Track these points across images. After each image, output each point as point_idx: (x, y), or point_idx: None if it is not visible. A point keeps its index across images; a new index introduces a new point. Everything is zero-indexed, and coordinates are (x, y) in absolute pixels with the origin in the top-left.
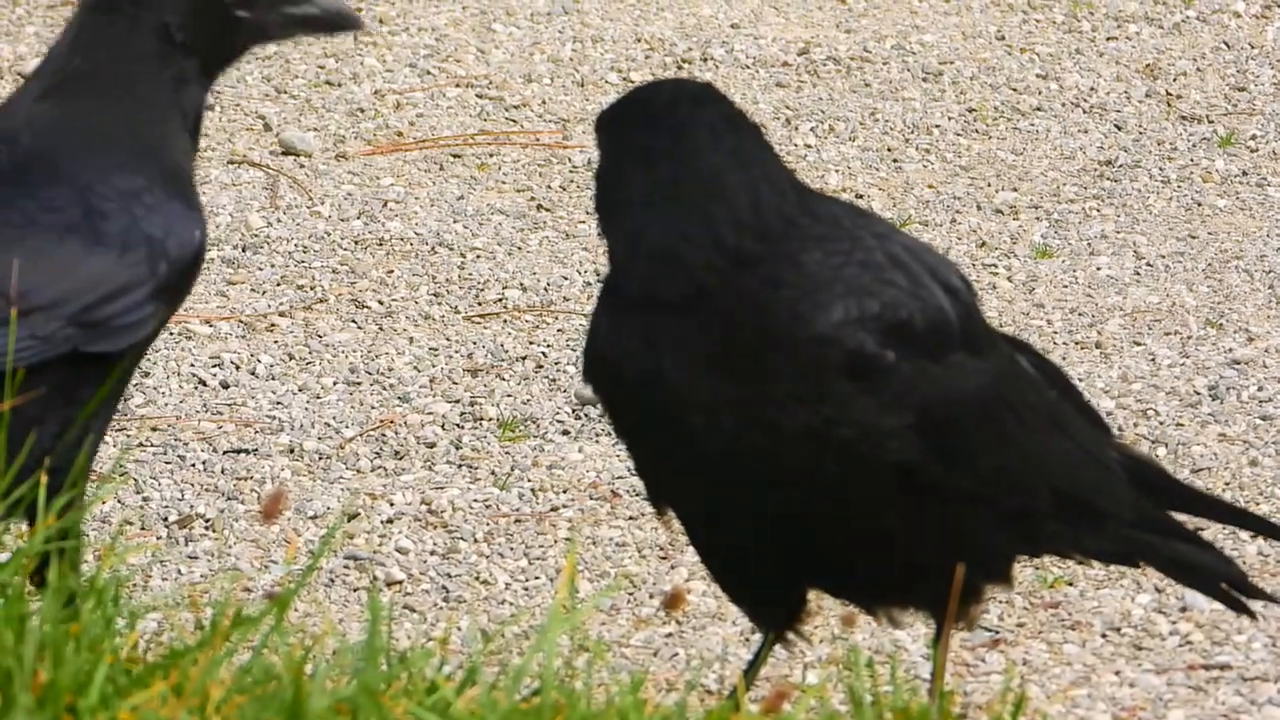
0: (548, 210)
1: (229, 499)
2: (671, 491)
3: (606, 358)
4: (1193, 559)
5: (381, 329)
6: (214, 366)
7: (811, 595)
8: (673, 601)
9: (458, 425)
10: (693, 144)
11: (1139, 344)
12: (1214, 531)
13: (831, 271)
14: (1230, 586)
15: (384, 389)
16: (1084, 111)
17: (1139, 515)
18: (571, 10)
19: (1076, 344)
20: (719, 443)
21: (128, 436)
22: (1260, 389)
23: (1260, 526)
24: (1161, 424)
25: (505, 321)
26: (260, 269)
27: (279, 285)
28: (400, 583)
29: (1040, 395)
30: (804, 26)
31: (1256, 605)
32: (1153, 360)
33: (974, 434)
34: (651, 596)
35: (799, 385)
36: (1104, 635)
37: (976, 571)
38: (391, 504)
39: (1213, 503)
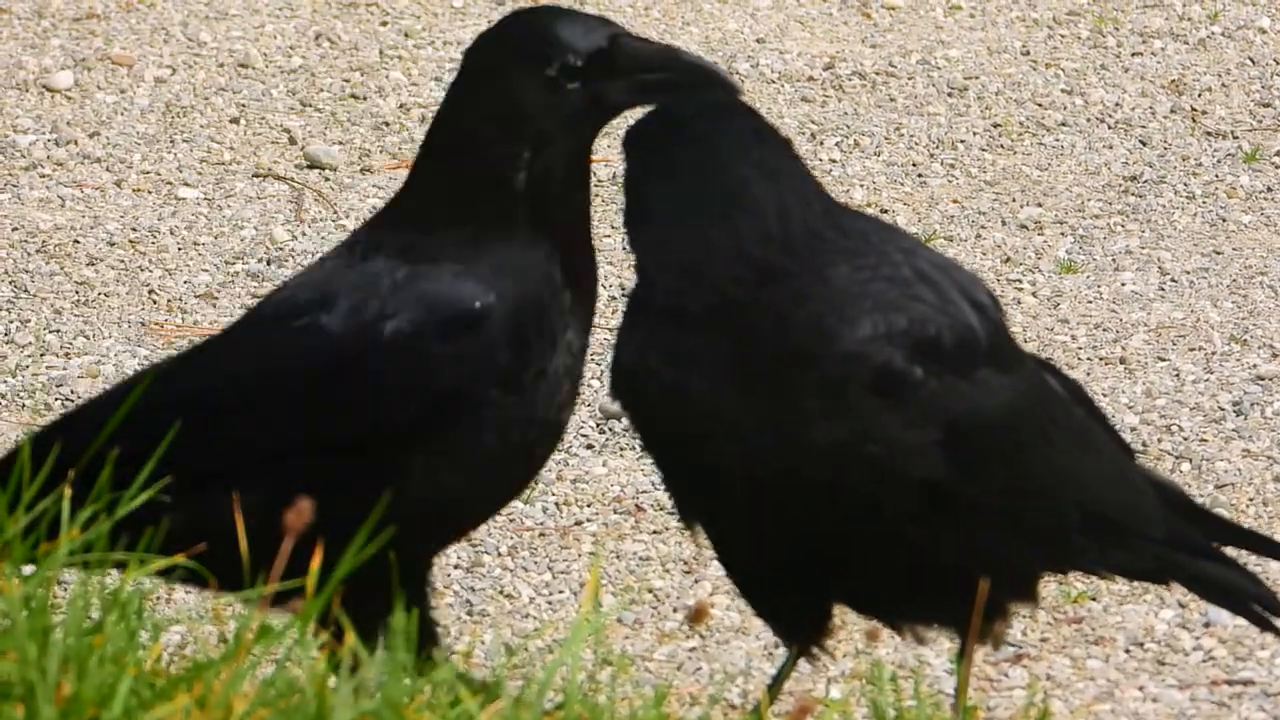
0: None
1: None
2: (698, 505)
3: (632, 371)
4: (1221, 577)
5: None
6: None
7: (836, 610)
8: (696, 616)
9: None
10: (718, 157)
11: (1163, 360)
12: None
13: (859, 286)
14: (1258, 604)
15: None
16: (1109, 127)
17: (1167, 533)
18: None
19: (1101, 360)
20: (744, 456)
21: None
22: None
23: (1272, 550)
24: (1186, 440)
25: None
26: None
27: None
28: None
29: (1067, 412)
30: (829, 41)
31: None
32: (1177, 376)
33: (1000, 450)
34: (675, 611)
35: (825, 400)
36: (1127, 650)
37: (1002, 588)
38: None
39: (1228, 527)
